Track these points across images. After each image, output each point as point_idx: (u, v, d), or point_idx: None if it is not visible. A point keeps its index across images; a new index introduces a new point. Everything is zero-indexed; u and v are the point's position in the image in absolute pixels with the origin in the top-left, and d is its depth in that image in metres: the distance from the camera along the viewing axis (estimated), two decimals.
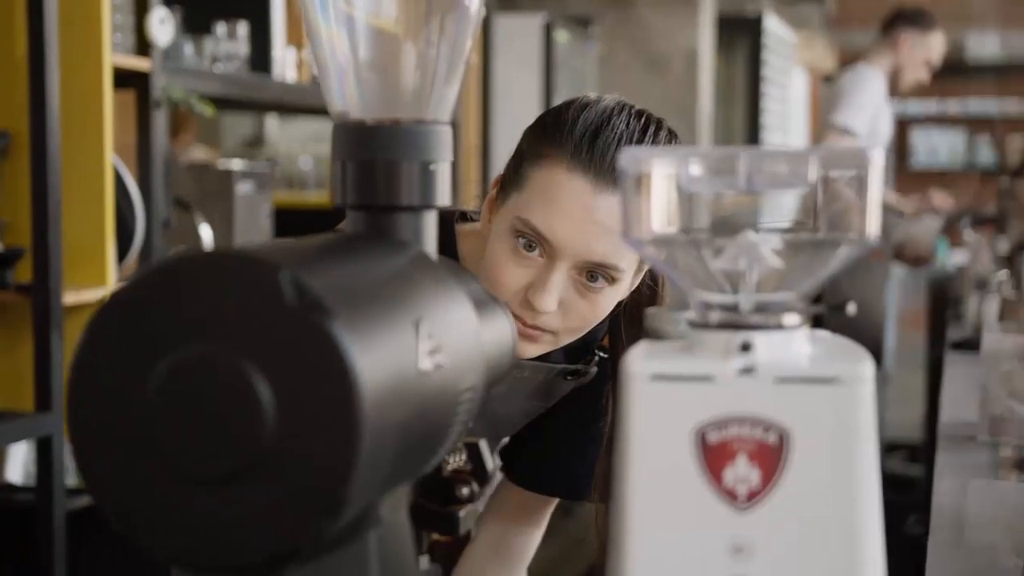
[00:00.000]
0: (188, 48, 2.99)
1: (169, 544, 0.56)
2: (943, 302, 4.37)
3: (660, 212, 0.64)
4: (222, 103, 3.30)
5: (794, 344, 0.63)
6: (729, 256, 0.63)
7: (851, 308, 0.65)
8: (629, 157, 0.65)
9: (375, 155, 0.67)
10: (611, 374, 1.37)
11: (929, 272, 4.88)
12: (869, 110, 4.40)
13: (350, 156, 0.68)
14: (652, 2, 5.82)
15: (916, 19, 4.58)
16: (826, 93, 7.11)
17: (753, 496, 0.61)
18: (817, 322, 0.68)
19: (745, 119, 6.96)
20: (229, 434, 0.54)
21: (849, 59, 6.44)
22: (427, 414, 0.62)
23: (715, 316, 0.64)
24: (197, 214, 3.02)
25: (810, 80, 8.58)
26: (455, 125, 4.14)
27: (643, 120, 1.23)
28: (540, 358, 1.32)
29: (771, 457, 0.61)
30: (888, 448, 4.81)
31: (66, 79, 2.42)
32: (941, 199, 4.99)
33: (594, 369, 1.38)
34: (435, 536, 0.77)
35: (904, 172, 8.84)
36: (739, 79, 6.96)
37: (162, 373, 0.55)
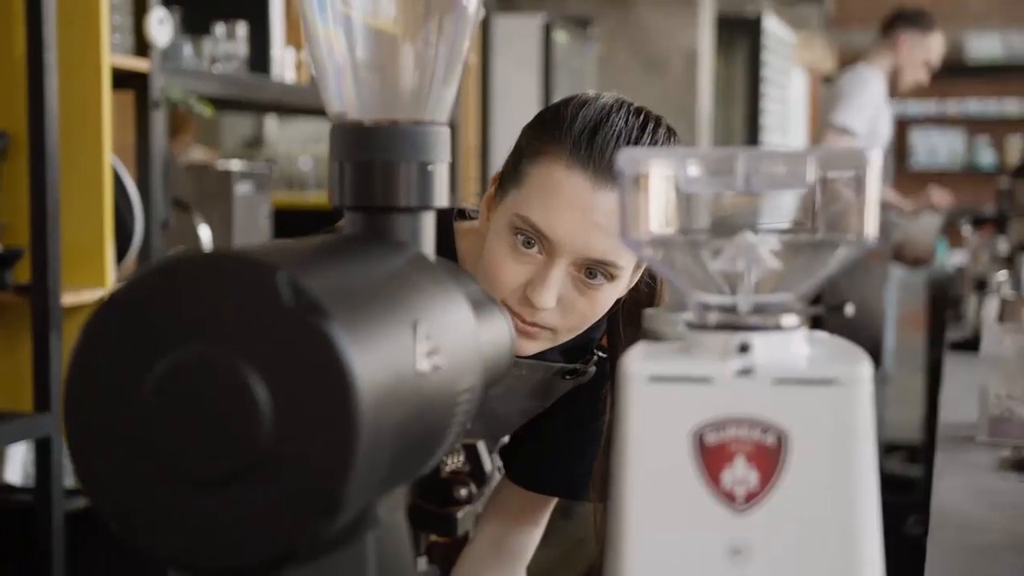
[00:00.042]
0: (187, 49, 2.99)
1: (166, 545, 0.56)
2: (943, 302, 4.37)
3: (658, 213, 0.64)
4: (221, 104, 3.29)
5: (792, 345, 0.63)
6: (727, 257, 0.63)
7: (849, 309, 0.65)
8: (627, 158, 0.65)
9: (373, 156, 0.67)
10: (609, 373, 1.37)
11: (929, 272, 4.88)
12: (869, 110, 4.40)
13: (348, 157, 0.68)
14: (651, 2, 5.82)
15: (915, 20, 4.59)
16: (825, 93, 7.11)
17: (751, 498, 0.61)
18: (816, 323, 0.68)
19: (744, 119, 6.96)
20: (226, 435, 0.54)
21: (848, 60, 6.44)
22: (425, 415, 0.61)
23: (713, 317, 0.64)
24: (196, 215, 3.02)
25: (809, 80, 8.58)
26: (454, 125, 4.14)
27: (642, 117, 1.23)
28: (538, 357, 1.32)
29: (769, 458, 0.61)
30: (887, 449, 4.81)
31: (65, 80, 2.42)
32: (940, 196, 4.99)
33: (592, 369, 1.38)
34: (433, 537, 0.77)
35: (903, 173, 8.83)
36: (738, 79, 6.96)
37: (159, 374, 0.55)
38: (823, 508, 0.61)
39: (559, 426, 1.43)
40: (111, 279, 2.58)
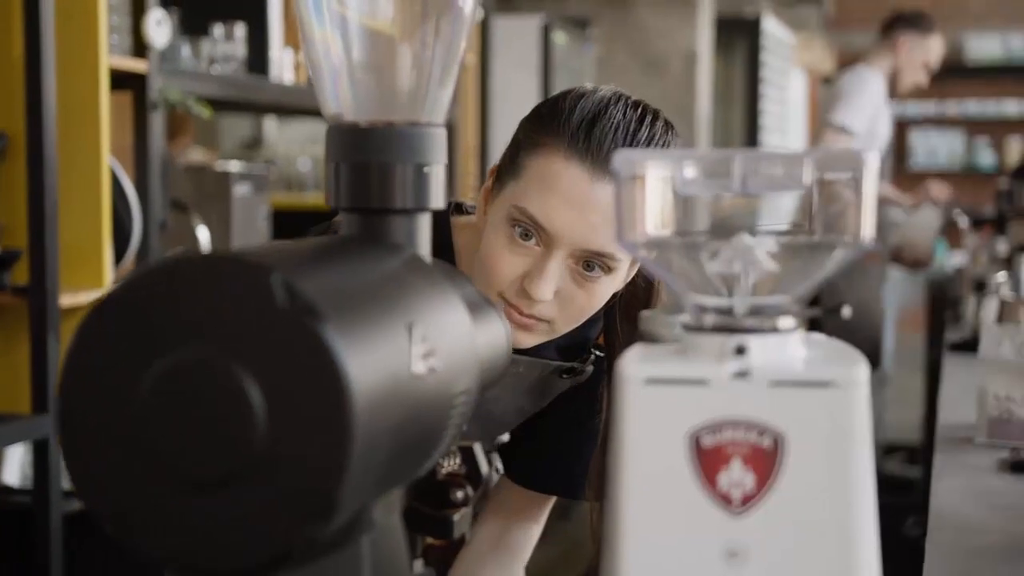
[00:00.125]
0: (185, 50, 2.99)
1: (160, 547, 0.56)
2: (942, 303, 4.37)
3: (654, 215, 0.64)
4: (219, 105, 3.29)
5: (789, 347, 0.63)
6: (724, 259, 0.63)
7: (846, 311, 0.65)
8: (623, 159, 0.65)
9: (369, 157, 0.67)
10: (607, 370, 1.37)
11: (928, 273, 4.88)
12: (868, 110, 4.40)
13: (344, 158, 0.67)
14: (650, 3, 5.82)
15: (915, 22, 4.59)
16: (825, 94, 7.11)
17: (748, 500, 0.61)
18: (814, 325, 0.68)
19: (744, 120, 6.97)
20: (220, 437, 0.54)
21: (848, 60, 6.44)
22: (420, 418, 0.61)
23: (710, 319, 0.64)
24: (194, 216, 3.02)
25: (809, 81, 8.58)
26: (453, 126, 4.14)
27: (640, 110, 1.23)
28: (535, 354, 1.32)
29: (766, 461, 0.60)
30: (887, 450, 4.81)
31: (63, 81, 2.42)
32: (939, 190, 4.99)
33: (590, 368, 1.38)
34: (429, 540, 0.77)
35: (903, 173, 8.83)
36: (738, 80, 6.96)
37: (153, 376, 0.54)
38: (820, 511, 0.61)
39: (556, 425, 1.43)
40: (109, 280, 2.58)
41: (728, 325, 0.63)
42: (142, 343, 0.55)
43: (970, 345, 2.50)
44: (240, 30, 3.18)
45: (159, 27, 2.73)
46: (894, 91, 4.58)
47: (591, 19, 5.57)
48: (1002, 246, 3.52)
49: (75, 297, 2.47)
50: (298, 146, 5.37)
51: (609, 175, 1.17)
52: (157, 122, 2.78)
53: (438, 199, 0.69)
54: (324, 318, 0.53)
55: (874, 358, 4.32)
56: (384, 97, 0.69)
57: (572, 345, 1.36)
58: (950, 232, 5.16)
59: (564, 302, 1.21)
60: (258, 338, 0.54)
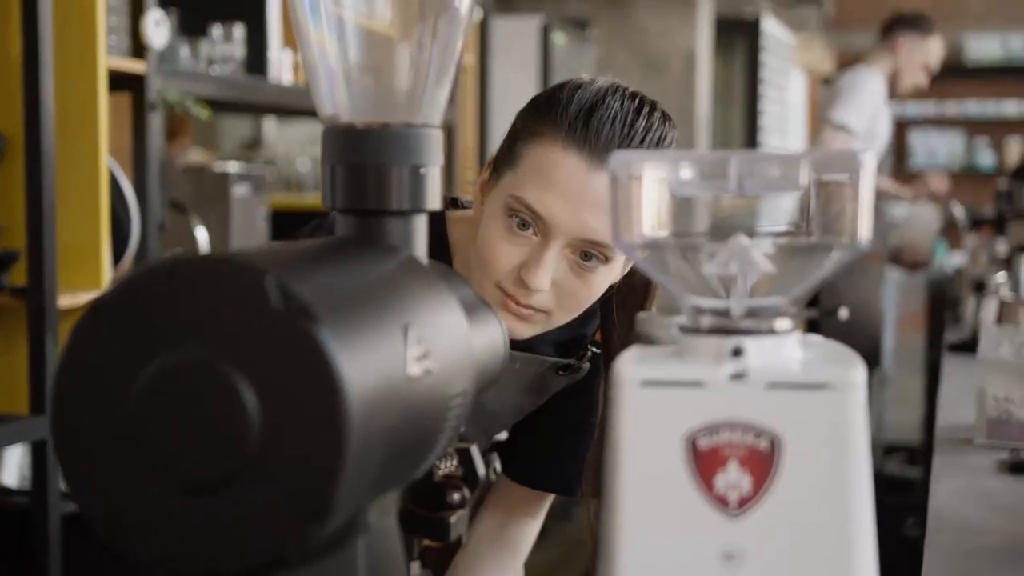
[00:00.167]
0: (184, 50, 2.99)
1: (154, 549, 0.56)
2: (941, 304, 4.37)
3: (650, 216, 0.64)
4: (218, 106, 3.29)
5: (786, 349, 0.62)
6: (720, 260, 0.63)
7: (843, 313, 0.65)
8: (619, 160, 0.64)
9: (365, 159, 0.67)
10: (604, 362, 1.37)
11: (928, 274, 4.88)
12: (867, 109, 4.40)
13: (340, 160, 0.67)
14: (650, 4, 5.82)
15: (915, 23, 4.59)
16: (824, 95, 7.11)
17: (744, 503, 0.60)
18: (814, 325, 0.67)
19: (743, 121, 6.96)
20: (215, 439, 0.53)
21: (847, 61, 6.45)
22: (416, 420, 0.61)
23: (706, 321, 0.63)
24: (193, 217, 3.02)
25: (808, 82, 8.58)
26: (452, 127, 4.14)
27: (637, 101, 1.23)
28: (532, 351, 1.32)
29: (762, 463, 0.60)
30: (887, 450, 4.81)
31: (61, 81, 2.42)
32: (939, 182, 4.99)
33: (587, 365, 1.38)
34: (426, 542, 0.77)
35: (903, 173, 8.83)
36: (737, 81, 6.96)
37: (148, 377, 0.54)
38: (817, 513, 0.60)
39: (554, 423, 1.43)
40: (107, 281, 2.58)
41: (725, 327, 0.63)
42: (137, 344, 0.55)
43: (969, 346, 2.49)
44: (239, 31, 3.18)
45: (158, 28, 2.73)
46: (894, 92, 4.58)
47: (591, 20, 5.57)
48: (1002, 247, 3.52)
49: (73, 298, 2.47)
50: (298, 147, 5.37)
51: (606, 164, 1.17)
52: (155, 123, 2.78)
53: (434, 200, 0.69)
54: (319, 320, 0.53)
55: (873, 359, 4.32)
56: (380, 98, 0.68)
57: (569, 341, 1.36)
58: (950, 232, 5.16)
59: (561, 292, 1.21)
60: (253, 340, 0.53)
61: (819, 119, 4.84)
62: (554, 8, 5.52)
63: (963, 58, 8.95)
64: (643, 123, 1.21)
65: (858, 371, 0.61)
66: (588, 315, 1.30)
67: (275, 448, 0.53)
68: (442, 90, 0.70)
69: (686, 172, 0.64)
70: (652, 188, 0.64)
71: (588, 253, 1.20)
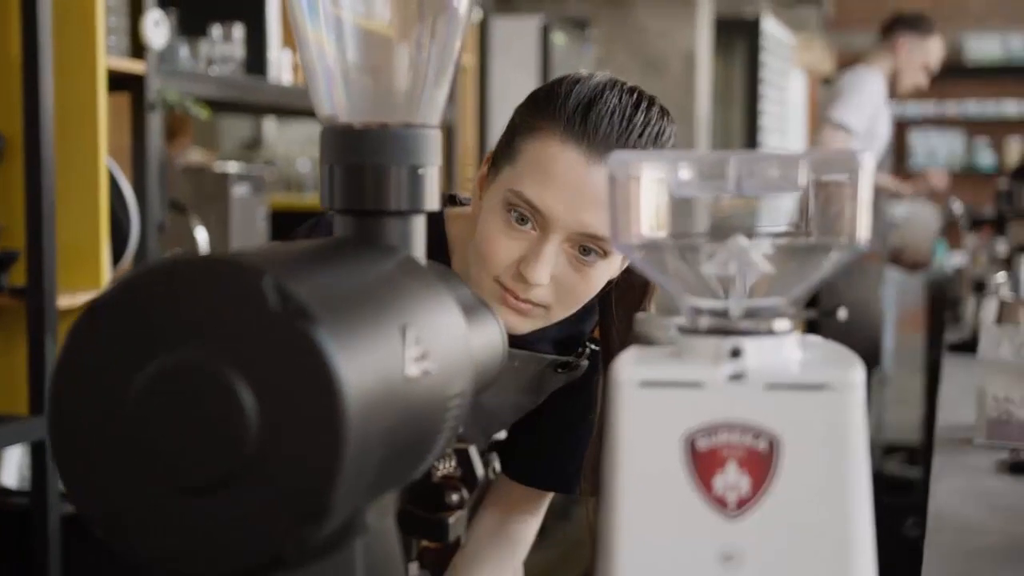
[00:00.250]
0: (183, 51, 2.99)
1: (152, 550, 0.55)
2: (941, 304, 4.37)
3: (649, 216, 0.64)
4: (217, 106, 3.29)
5: (784, 350, 0.62)
6: (719, 261, 0.63)
7: (842, 314, 0.65)
8: (617, 161, 0.64)
9: (363, 159, 0.67)
10: (603, 359, 1.37)
11: (928, 274, 4.88)
12: (867, 109, 4.40)
13: (338, 160, 0.67)
14: (650, 4, 5.82)
15: (915, 24, 4.59)
16: (825, 95, 7.11)
17: (743, 504, 0.60)
18: (813, 326, 0.67)
19: (743, 121, 6.96)
20: (212, 440, 0.53)
21: (847, 61, 6.44)
22: (414, 420, 0.61)
23: (705, 321, 0.63)
24: (193, 217, 3.02)
25: (808, 82, 8.58)
26: (452, 127, 4.13)
27: (635, 95, 1.23)
28: (531, 348, 1.32)
29: (761, 464, 0.60)
30: (887, 450, 4.81)
31: (60, 82, 2.42)
32: (938, 178, 4.98)
33: (585, 362, 1.38)
34: (424, 543, 0.76)
35: (903, 173, 8.82)
36: (737, 81, 6.95)
37: (146, 378, 0.54)
38: (815, 514, 0.60)
39: (552, 421, 1.43)
40: (107, 282, 2.58)
41: (723, 327, 0.63)
42: (135, 345, 0.55)
43: (969, 346, 2.49)
44: (238, 31, 3.18)
45: (157, 28, 2.73)
46: (894, 92, 4.58)
47: (590, 20, 5.57)
48: (1002, 247, 3.52)
49: (73, 298, 2.46)
50: (298, 147, 5.37)
51: (605, 159, 1.17)
52: (155, 123, 2.78)
53: (433, 201, 0.69)
54: (316, 320, 0.53)
55: (873, 359, 4.32)
56: (378, 98, 0.68)
57: (567, 339, 1.36)
58: (950, 232, 5.16)
59: (560, 287, 1.21)
60: (251, 340, 0.53)
61: (819, 119, 4.83)
62: (554, 8, 5.51)
63: (963, 58, 8.94)
64: (641, 117, 1.21)
65: (857, 372, 0.61)
66: (586, 311, 1.30)
67: (273, 449, 0.53)
68: (441, 90, 0.70)
69: (685, 172, 0.64)
70: (650, 188, 0.64)
71: (587, 248, 1.20)
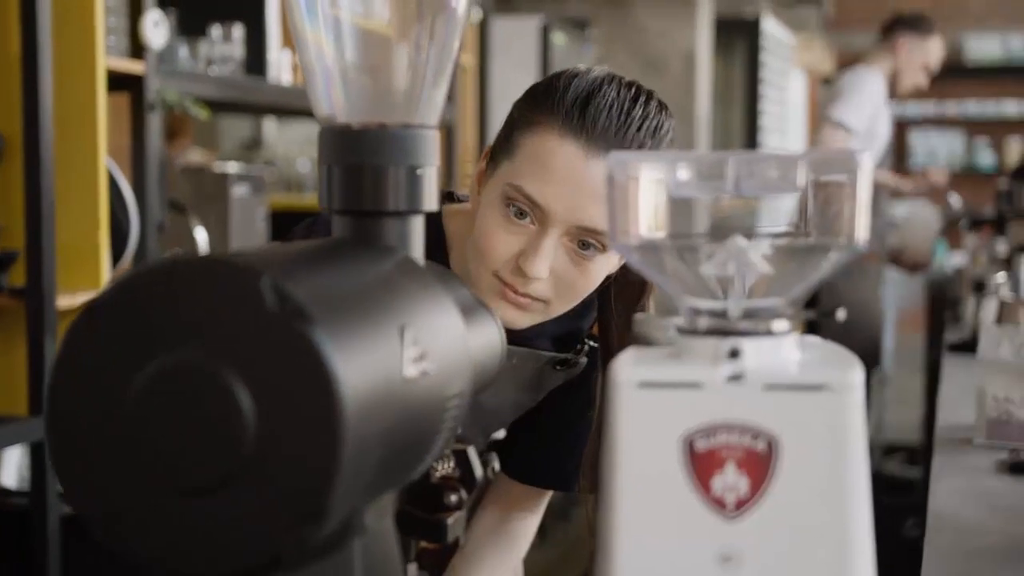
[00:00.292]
0: (183, 51, 2.99)
1: (150, 550, 0.55)
2: (941, 304, 4.37)
3: (647, 217, 0.64)
4: (217, 106, 3.29)
5: (783, 350, 0.62)
6: (718, 261, 0.62)
7: (841, 314, 0.65)
8: (616, 161, 0.64)
9: (361, 159, 0.67)
10: (602, 355, 1.37)
11: (928, 274, 4.88)
12: (867, 109, 4.40)
13: (336, 160, 0.67)
14: (650, 4, 5.82)
15: (915, 24, 4.59)
16: (825, 95, 7.11)
17: (742, 504, 0.60)
18: (813, 326, 0.67)
19: (743, 121, 6.96)
20: (210, 441, 0.53)
21: (847, 61, 6.44)
22: (412, 421, 0.61)
23: (703, 322, 0.63)
24: (192, 217, 3.02)
25: (808, 82, 8.58)
26: (451, 127, 4.13)
27: (633, 89, 1.23)
28: (530, 346, 1.31)
29: (760, 465, 0.60)
30: (887, 450, 4.81)
31: (60, 82, 2.42)
32: (939, 175, 4.98)
33: (584, 359, 1.38)
34: (423, 544, 0.76)
35: (903, 174, 8.83)
36: (737, 81, 6.95)
37: (144, 378, 0.54)
38: (814, 515, 0.60)
39: (551, 419, 1.43)
40: (106, 282, 2.58)
41: (722, 328, 0.62)
42: (133, 345, 0.55)
43: (969, 346, 2.49)
44: (238, 31, 3.18)
45: (156, 28, 2.73)
46: (894, 92, 4.58)
47: (590, 20, 5.57)
48: (1001, 247, 3.52)
49: (72, 299, 2.46)
50: (297, 147, 5.37)
51: (603, 152, 1.17)
52: (154, 123, 2.78)
53: (431, 201, 0.68)
54: (314, 321, 0.53)
55: (873, 359, 4.32)
56: (377, 99, 0.68)
57: (566, 335, 1.36)
58: (950, 232, 5.15)
59: (559, 281, 1.21)
60: (248, 341, 0.53)
61: (819, 118, 4.83)
62: (554, 8, 5.52)
63: (963, 58, 8.94)
64: (639, 111, 1.21)
65: (855, 372, 0.61)
66: (585, 307, 1.30)
67: (271, 449, 0.53)
68: (439, 90, 0.70)
69: (683, 173, 0.64)
70: (649, 189, 0.64)
71: (586, 242, 1.20)
